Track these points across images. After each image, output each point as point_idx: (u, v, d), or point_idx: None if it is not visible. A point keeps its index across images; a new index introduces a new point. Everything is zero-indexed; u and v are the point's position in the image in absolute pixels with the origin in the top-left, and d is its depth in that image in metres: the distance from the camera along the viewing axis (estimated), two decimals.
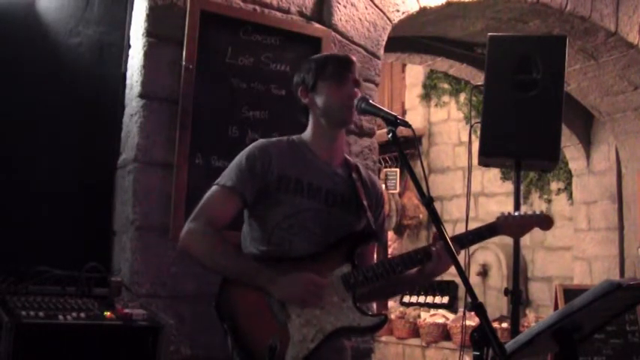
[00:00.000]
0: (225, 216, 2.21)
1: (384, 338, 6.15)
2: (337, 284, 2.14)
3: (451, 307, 6.47)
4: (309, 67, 2.32)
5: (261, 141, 2.30)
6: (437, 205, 6.47)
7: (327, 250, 2.19)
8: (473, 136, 3.45)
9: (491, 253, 6.18)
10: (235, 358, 2.06)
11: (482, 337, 1.70)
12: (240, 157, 2.25)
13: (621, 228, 5.32)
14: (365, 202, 2.29)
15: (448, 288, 6.56)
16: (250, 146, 2.28)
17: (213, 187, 2.23)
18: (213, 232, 2.17)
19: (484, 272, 6.30)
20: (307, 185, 2.22)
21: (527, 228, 2.39)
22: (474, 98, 5.26)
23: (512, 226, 2.35)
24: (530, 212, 2.40)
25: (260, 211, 2.23)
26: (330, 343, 2.11)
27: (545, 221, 2.37)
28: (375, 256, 2.51)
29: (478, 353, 1.72)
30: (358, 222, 2.29)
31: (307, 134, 2.34)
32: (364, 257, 2.32)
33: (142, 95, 2.95)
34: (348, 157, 2.41)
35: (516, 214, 2.39)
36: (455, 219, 6.74)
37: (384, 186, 7.02)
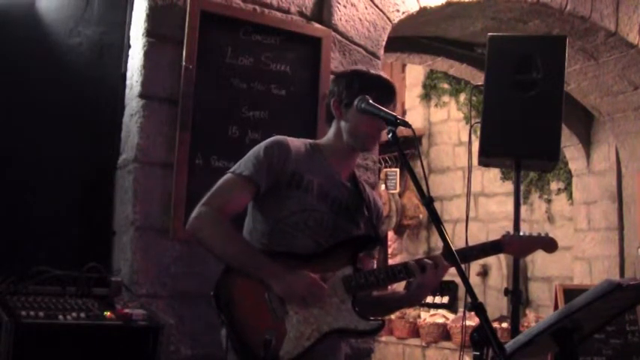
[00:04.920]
0: (237, 204, 2.21)
1: (384, 338, 6.14)
2: (338, 285, 2.14)
3: (451, 307, 6.47)
4: (351, 83, 2.28)
5: (279, 137, 2.30)
6: (437, 205, 6.47)
7: (330, 251, 2.20)
8: (473, 136, 3.45)
9: None
10: (230, 350, 2.06)
11: (482, 337, 1.70)
12: (258, 148, 2.25)
13: (621, 228, 5.31)
14: (367, 215, 2.32)
15: (448, 288, 6.55)
16: (268, 140, 2.28)
17: (228, 175, 2.23)
18: (223, 217, 2.16)
19: (484, 272, 6.30)
20: (317, 187, 2.24)
21: (531, 250, 2.42)
22: (474, 98, 5.25)
23: (517, 246, 2.37)
24: (535, 234, 2.43)
25: (267, 204, 2.23)
26: (325, 342, 2.11)
27: (550, 244, 2.41)
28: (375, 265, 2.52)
29: (478, 353, 1.72)
30: (359, 231, 2.31)
31: (325, 142, 2.35)
32: (365, 263, 2.33)
33: (142, 95, 2.95)
34: (356, 172, 2.43)
35: (522, 234, 2.41)
36: (455, 219, 6.73)
37: (383, 186, 7.02)
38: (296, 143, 2.30)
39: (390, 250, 7.33)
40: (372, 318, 2.16)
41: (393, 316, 6.13)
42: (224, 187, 2.21)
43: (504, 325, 5.25)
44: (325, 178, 2.27)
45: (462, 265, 1.84)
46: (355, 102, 2.19)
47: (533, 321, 5.19)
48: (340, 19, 3.47)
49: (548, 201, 6.15)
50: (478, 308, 1.71)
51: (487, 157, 3.18)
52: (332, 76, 2.37)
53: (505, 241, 2.34)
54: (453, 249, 1.87)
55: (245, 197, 2.22)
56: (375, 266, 2.44)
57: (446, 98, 7.08)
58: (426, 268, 2.15)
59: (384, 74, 2.38)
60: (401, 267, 2.19)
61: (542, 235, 2.43)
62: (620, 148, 5.34)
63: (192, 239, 2.26)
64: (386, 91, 2.26)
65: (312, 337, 2.07)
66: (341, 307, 2.12)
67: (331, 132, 2.34)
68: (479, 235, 5.98)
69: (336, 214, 2.26)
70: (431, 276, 2.15)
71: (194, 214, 2.18)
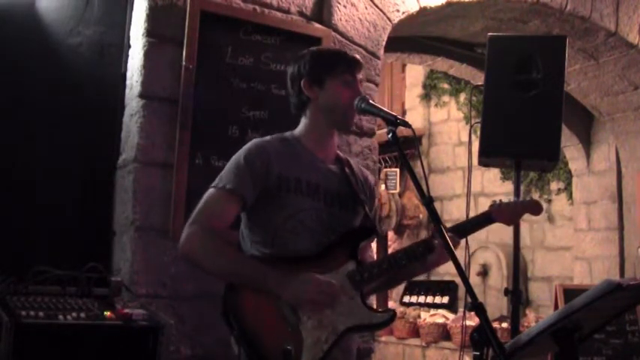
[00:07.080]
0: (224, 219, 2.16)
1: (384, 338, 6.14)
2: (344, 282, 2.12)
3: (451, 307, 6.47)
4: (315, 60, 2.28)
5: (256, 141, 2.26)
6: (437, 205, 6.47)
7: (330, 248, 2.18)
8: (473, 136, 3.45)
9: (491, 253, 6.18)
10: None
11: (482, 337, 1.70)
12: (238, 157, 2.20)
13: (621, 228, 5.31)
14: (361, 197, 2.30)
15: (448, 288, 6.55)
16: (246, 146, 2.23)
17: (211, 190, 2.18)
18: (214, 235, 2.12)
19: (484, 272, 6.30)
20: (306, 184, 2.21)
21: (519, 214, 2.47)
22: (474, 98, 5.25)
23: (505, 213, 2.39)
24: (520, 199, 2.54)
25: (260, 213, 2.20)
26: (340, 344, 2.09)
27: (534, 206, 2.46)
28: (375, 253, 2.53)
29: (478, 353, 1.72)
30: (356, 218, 2.29)
31: (301, 130, 2.31)
32: (363, 251, 2.32)
33: (142, 95, 2.95)
34: (339, 152, 2.40)
35: (507, 201, 2.44)
36: (455, 219, 6.72)
37: (383, 186, 7.02)
38: (273, 143, 2.25)
39: (389, 250, 7.33)
40: (380, 310, 2.18)
41: None
42: (209, 203, 2.16)
43: (504, 325, 5.25)
44: (312, 170, 2.23)
45: (462, 265, 1.83)
46: (355, 102, 2.18)
47: (533, 321, 5.19)
48: (340, 19, 3.47)
49: (549, 201, 6.15)
50: (478, 308, 1.71)
51: (487, 157, 3.18)
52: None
53: (494, 210, 2.36)
54: (452, 248, 1.87)
55: (231, 211, 2.16)
56: (373, 247, 2.46)
57: (446, 98, 7.08)
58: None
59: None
60: (402, 254, 2.20)
61: (527, 199, 2.50)
62: (620, 148, 5.34)
63: (188, 261, 2.23)
64: (352, 62, 2.27)
65: (329, 339, 2.05)
66: (351, 304, 2.11)
67: (306, 117, 2.29)
68: (478, 234, 5.95)
69: (331, 206, 2.23)
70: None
71: (183, 235, 2.14)
